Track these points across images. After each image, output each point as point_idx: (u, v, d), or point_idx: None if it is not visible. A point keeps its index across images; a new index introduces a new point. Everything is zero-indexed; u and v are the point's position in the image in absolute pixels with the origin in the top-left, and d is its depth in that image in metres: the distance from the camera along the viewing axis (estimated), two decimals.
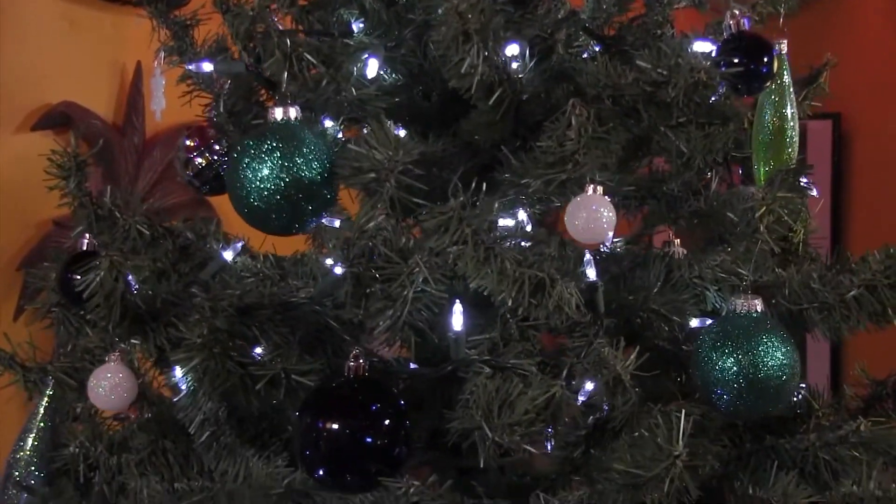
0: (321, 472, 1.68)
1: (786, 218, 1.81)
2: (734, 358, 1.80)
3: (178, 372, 1.76)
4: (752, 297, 1.84)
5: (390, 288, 1.65)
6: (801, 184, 2.07)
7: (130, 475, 2.01)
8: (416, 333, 1.70)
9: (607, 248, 2.11)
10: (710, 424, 1.92)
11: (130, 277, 1.83)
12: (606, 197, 1.67)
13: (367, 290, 1.67)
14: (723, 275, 1.98)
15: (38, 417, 2.11)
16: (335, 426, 1.68)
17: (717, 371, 1.81)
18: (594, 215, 1.67)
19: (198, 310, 1.71)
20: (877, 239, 2.05)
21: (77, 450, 2.08)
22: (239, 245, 1.96)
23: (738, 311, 1.84)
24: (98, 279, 1.73)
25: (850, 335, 2.08)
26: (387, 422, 1.70)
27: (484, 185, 1.65)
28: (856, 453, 1.94)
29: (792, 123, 2.02)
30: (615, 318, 1.95)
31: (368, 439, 1.68)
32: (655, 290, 1.96)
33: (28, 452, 2.10)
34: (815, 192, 2.18)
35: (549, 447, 1.68)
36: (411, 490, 1.61)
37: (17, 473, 2.10)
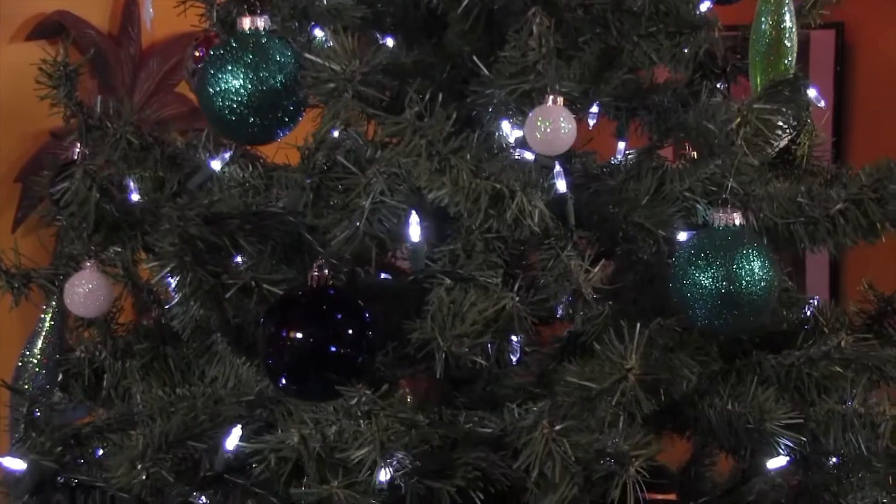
0: (284, 380, 1.71)
1: (765, 130, 1.76)
2: (711, 272, 1.78)
3: (152, 279, 1.79)
4: (732, 210, 1.81)
5: (348, 198, 1.66)
6: (803, 95, 2.02)
7: (133, 380, 2.06)
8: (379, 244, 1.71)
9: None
10: (688, 339, 1.90)
11: (130, 183, 1.87)
12: (566, 108, 1.65)
13: (328, 201, 1.67)
14: (712, 188, 1.94)
15: (46, 322, 2.16)
16: (297, 335, 1.70)
17: (694, 286, 1.79)
18: (554, 126, 1.64)
19: (167, 219, 1.73)
20: (879, 151, 2.00)
21: (83, 354, 2.13)
22: (227, 154, 1.97)
23: (716, 225, 1.81)
24: (72, 188, 1.76)
25: (847, 250, 2.05)
26: (349, 331, 1.71)
27: (440, 95, 1.63)
28: (839, 369, 1.91)
29: (789, 33, 1.96)
30: (598, 231, 1.93)
31: (331, 348, 1.70)
32: (643, 203, 1.93)
33: (37, 355, 2.15)
34: (822, 104, 2.13)
35: (513, 360, 1.68)
36: (363, 399, 1.62)
37: (26, 374, 2.15)
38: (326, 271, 1.72)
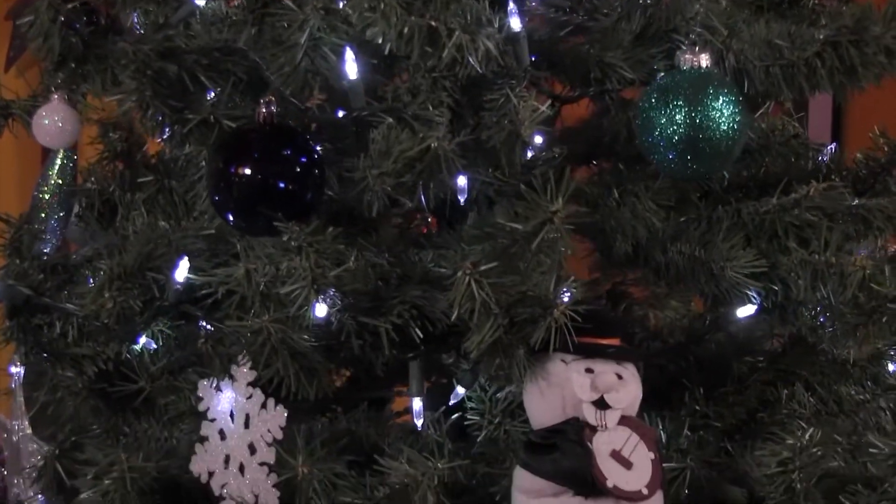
0: (230, 216, 1.73)
1: None
2: (676, 115, 1.73)
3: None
4: (699, 51, 1.75)
5: (286, 34, 1.65)
6: None
7: (139, 214, 2.11)
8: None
9: None
10: (657, 186, 1.86)
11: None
12: None
13: (269, 37, 1.67)
14: (699, 29, 1.88)
15: (60, 153, 2.21)
16: (242, 170, 1.71)
17: (659, 129, 1.74)
18: None
19: (122, 53, 1.75)
20: None
21: (93, 186, 2.18)
22: None
23: (683, 67, 1.75)
24: (37, 20, 1.79)
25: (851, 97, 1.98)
26: (296, 167, 1.72)
27: None
28: (812, 218, 1.85)
29: None
30: (568, 73, 1.90)
31: (278, 184, 1.71)
32: (624, 44, 1.88)
33: (52, 187, 2.22)
34: None
35: (422, 201, 1.67)
36: (293, 235, 1.64)
37: (40, 207, 2.22)
38: (274, 108, 1.72)
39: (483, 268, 1.58)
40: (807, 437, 1.80)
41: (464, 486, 1.81)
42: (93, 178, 2.17)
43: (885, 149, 2.07)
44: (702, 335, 2.15)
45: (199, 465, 1.79)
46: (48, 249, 2.13)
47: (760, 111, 2.06)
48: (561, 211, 1.57)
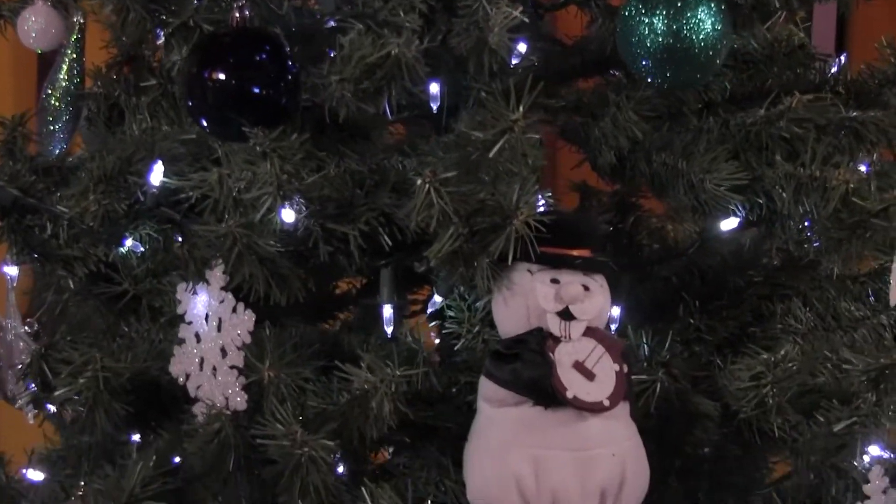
0: (204, 121, 1.73)
1: None
2: (656, 23, 1.70)
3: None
4: None
5: None
6: None
7: (144, 119, 2.12)
8: None
9: None
10: (639, 96, 1.84)
11: None
12: None
13: None
14: None
15: (67, 56, 2.22)
16: (216, 74, 1.71)
17: (639, 36, 1.72)
18: None
19: None
20: None
21: (100, 90, 2.20)
22: None
23: None
24: None
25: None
26: (270, 72, 1.71)
27: None
28: (797, 130, 1.81)
29: None
30: None
31: (252, 88, 1.71)
32: None
33: (58, 90, 2.23)
34: None
35: (387, 111, 1.66)
36: (258, 140, 1.64)
37: (48, 111, 2.24)
38: (248, 12, 1.71)
39: (442, 176, 1.57)
40: (783, 352, 1.78)
41: (440, 394, 1.82)
42: (99, 83, 2.19)
43: (893, 59, 2.02)
44: (710, 249, 2.12)
45: (177, 367, 1.81)
46: (57, 152, 2.16)
47: (771, 20, 2.01)
48: (521, 120, 1.55)
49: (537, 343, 1.65)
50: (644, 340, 1.91)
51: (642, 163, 1.88)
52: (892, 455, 1.90)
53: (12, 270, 2.05)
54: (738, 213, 1.87)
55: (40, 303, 2.19)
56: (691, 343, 2.04)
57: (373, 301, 1.98)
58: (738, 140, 1.85)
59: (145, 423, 1.85)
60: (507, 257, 1.61)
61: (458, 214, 1.58)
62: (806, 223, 1.86)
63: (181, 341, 1.82)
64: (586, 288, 1.68)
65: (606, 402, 1.66)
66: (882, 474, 1.75)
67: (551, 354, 1.65)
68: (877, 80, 2.04)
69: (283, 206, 1.67)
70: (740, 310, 2.07)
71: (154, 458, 1.75)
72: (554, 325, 1.66)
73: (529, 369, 1.64)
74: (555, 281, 1.67)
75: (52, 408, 1.93)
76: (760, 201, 1.85)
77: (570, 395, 1.64)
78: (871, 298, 2.12)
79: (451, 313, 1.85)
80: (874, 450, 1.90)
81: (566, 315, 1.67)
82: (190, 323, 1.80)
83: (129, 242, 1.93)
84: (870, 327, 2.05)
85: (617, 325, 1.96)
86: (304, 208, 1.67)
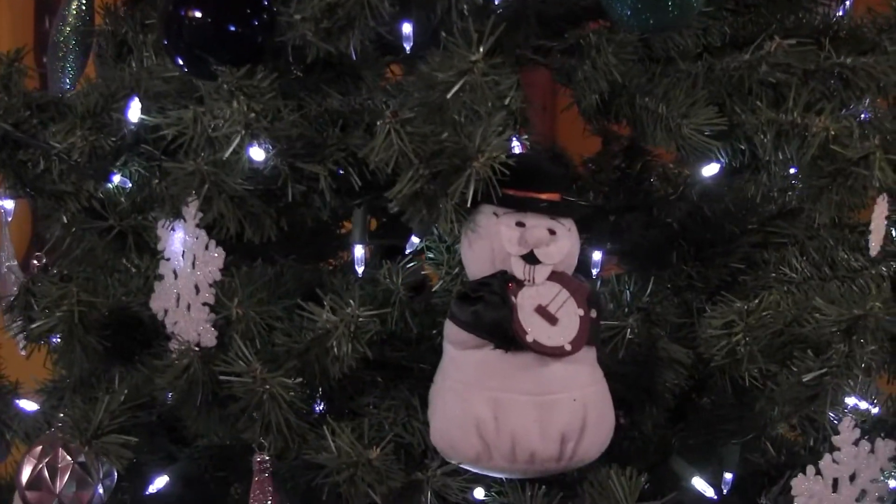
0: (179, 60, 1.74)
1: None
2: None
3: None
4: None
5: None
6: None
7: (150, 56, 2.13)
8: None
9: None
10: (619, 39, 1.81)
11: None
12: None
13: None
14: None
15: None
16: (191, 12, 1.71)
17: None
18: None
19: None
20: None
21: (108, 27, 2.22)
22: None
23: None
24: None
25: None
26: (245, 9, 1.71)
27: None
28: (781, 75, 1.78)
29: None
30: None
31: (228, 26, 1.71)
32: None
33: (69, 24, 2.25)
34: None
35: (352, 49, 1.65)
36: (225, 78, 1.64)
37: (58, 47, 2.26)
38: None
39: (403, 117, 1.57)
40: (757, 300, 1.76)
41: (419, 335, 1.82)
42: (107, 20, 2.21)
43: (893, 3, 1.98)
44: (715, 195, 2.10)
45: (157, 303, 1.83)
46: (68, 87, 2.19)
47: None
48: (481, 62, 1.53)
49: (500, 286, 1.65)
50: (627, 287, 1.90)
51: (626, 107, 1.86)
52: (868, 407, 1.89)
53: (8, 204, 2.07)
54: (720, 160, 1.84)
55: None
56: (683, 290, 2.03)
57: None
58: (724, 85, 1.82)
59: (126, 357, 1.87)
60: (474, 199, 1.60)
61: (418, 155, 1.57)
62: (792, 170, 1.84)
63: (160, 277, 1.83)
64: (552, 232, 1.67)
65: (568, 347, 1.65)
66: (853, 426, 1.72)
67: (513, 298, 1.64)
68: (877, 26, 1.99)
69: (252, 145, 1.67)
70: (732, 257, 2.05)
71: (126, 392, 1.77)
72: (518, 269, 1.66)
73: (490, 312, 1.64)
74: (520, 224, 1.67)
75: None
76: (742, 147, 1.82)
77: (530, 338, 1.64)
78: None
79: (430, 255, 1.85)
80: (854, 402, 1.89)
81: (531, 259, 1.66)
82: (168, 259, 1.82)
83: (116, 178, 1.95)
84: (869, 278, 2.02)
85: (598, 270, 1.96)
86: (271, 147, 1.67)
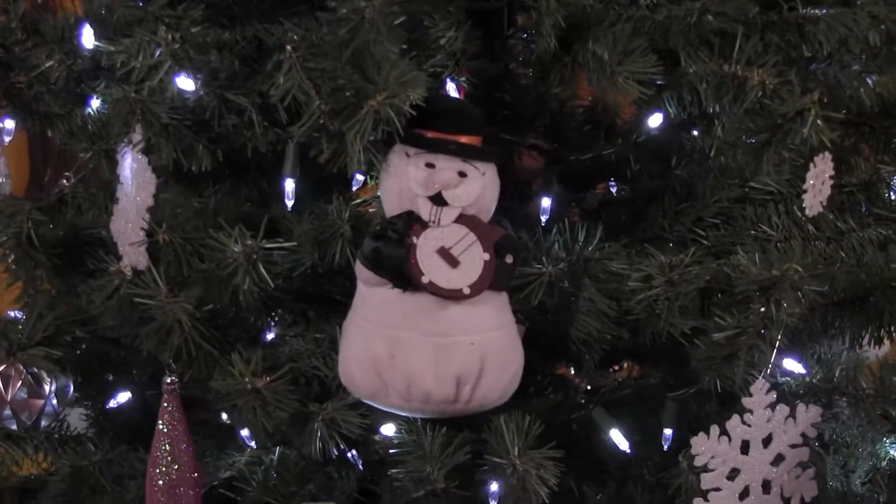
0: None
1: None
2: None
3: None
4: None
5: None
6: None
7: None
8: None
9: None
10: None
11: None
12: None
13: None
14: None
15: None
16: None
17: None
18: None
19: None
20: None
21: None
22: None
23: None
24: None
25: None
26: None
27: None
28: (725, 27, 1.73)
29: None
30: None
31: None
32: None
33: None
34: None
35: None
36: (153, 7, 1.68)
37: None
38: None
39: (304, 52, 1.58)
40: (682, 255, 1.72)
41: None
42: None
43: None
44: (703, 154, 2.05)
45: (113, 226, 1.89)
46: None
47: None
48: (376, 2, 1.53)
49: (403, 225, 1.65)
50: (564, 235, 1.86)
51: (581, 51, 1.82)
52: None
53: (9, 123, 2.16)
54: (666, 109, 1.80)
55: None
56: (651, 242, 1.98)
57: None
58: (673, 33, 1.77)
59: (75, 276, 1.93)
60: (390, 137, 1.60)
61: (318, 91, 1.58)
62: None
63: (117, 200, 1.89)
64: (463, 174, 1.66)
65: (467, 291, 1.64)
66: (766, 389, 1.67)
67: (414, 238, 1.64)
68: None
69: (178, 74, 1.71)
70: (707, 211, 2.00)
71: (62, 308, 1.83)
72: (424, 209, 1.66)
73: (388, 250, 1.65)
74: (430, 165, 1.66)
75: None
76: (688, 98, 1.77)
77: (426, 279, 1.64)
78: (864, 210, 2.03)
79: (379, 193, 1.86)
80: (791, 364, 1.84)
81: (438, 200, 1.65)
82: (122, 184, 1.87)
83: (95, 103, 2.01)
84: (856, 240, 1.96)
85: (548, 217, 1.94)
86: (198, 76, 1.70)
